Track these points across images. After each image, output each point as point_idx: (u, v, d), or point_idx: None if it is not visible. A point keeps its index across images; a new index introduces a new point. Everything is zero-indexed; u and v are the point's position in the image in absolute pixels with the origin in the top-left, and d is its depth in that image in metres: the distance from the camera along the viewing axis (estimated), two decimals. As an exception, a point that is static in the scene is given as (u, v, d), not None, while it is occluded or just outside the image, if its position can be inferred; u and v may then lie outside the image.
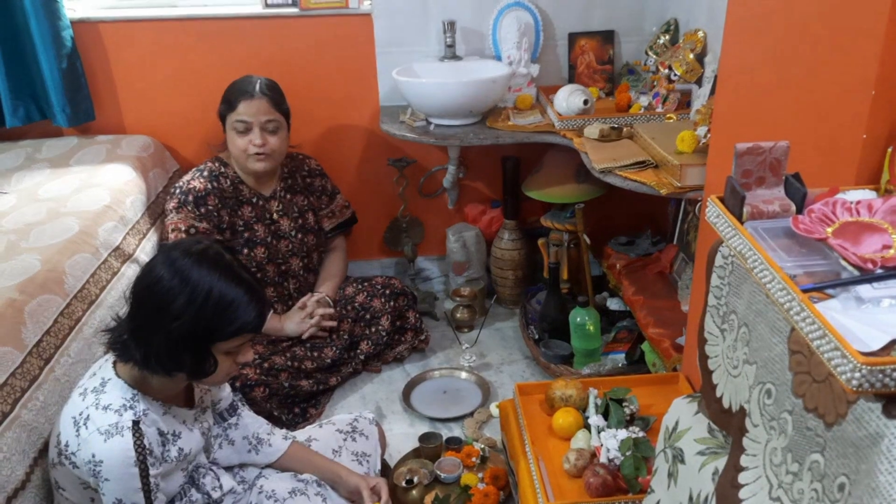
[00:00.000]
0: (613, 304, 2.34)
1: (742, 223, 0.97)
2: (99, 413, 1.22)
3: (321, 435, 1.67)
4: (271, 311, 2.13)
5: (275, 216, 2.16)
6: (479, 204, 2.62)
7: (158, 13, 2.33)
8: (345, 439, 1.68)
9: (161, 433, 1.28)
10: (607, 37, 2.39)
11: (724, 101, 1.46)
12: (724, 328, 1.09)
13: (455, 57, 2.34)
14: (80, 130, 2.41)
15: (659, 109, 2.11)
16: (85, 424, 1.22)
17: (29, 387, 1.36)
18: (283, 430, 1.63)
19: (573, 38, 2.38)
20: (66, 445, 1.23)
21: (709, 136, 1.63)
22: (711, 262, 1.11)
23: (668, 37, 2.27)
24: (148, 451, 1.23)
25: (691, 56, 2.06)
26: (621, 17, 2.39)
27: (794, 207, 0.99)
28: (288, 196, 2.19)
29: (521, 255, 2.52)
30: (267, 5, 2.34)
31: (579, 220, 2.22)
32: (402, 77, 2.17)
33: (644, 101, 2.18)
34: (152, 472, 1.23)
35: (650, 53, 2.30)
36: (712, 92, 1.89)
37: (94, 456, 1.20)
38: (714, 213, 1.03)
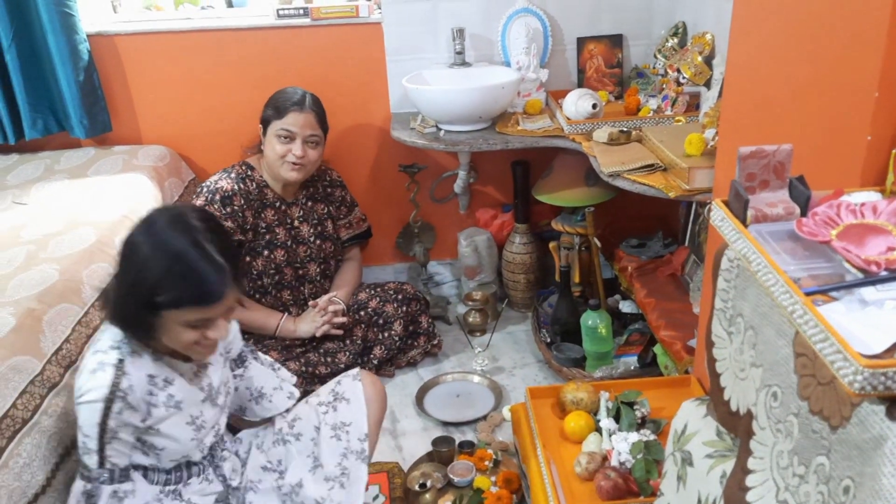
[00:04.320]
0: (625, 307, 2.34)
1: (746, 226, 0.98)
2: (90, 356, 1.27)
3: (304, 413, 1.57)
4: (286, 315, 2.17)
5: (296, 222, 2.19)
6: (490, 208, 2.64)
7: (173, 26, 2.37)
8: (325, 412, 1.56)
9: (150, 376, 1.28)
10: (616, 41, 2.39)
11: (731, 104, 1.46)
12: (731, 331, 1.10)
13: (464, 64, 2.36)
14: (98, 141, 2.45)
15: (668, 112, 2.11)
16: (80, 371, 1.28)
17: (48, 393, 1.39)
18: (291, 389, 1.60)
19: (582, 42, 2.39)
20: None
21: (717, 138, 1.64)
22: (717, 265, 1.12)
23: (676, 40, 2.28)
24: (122, 395, 1.23)
25: (699, 59, 2.06)
26: (629, 21, 2.40)
27: (798, 210, 0.99)
28: (309, 203, 2.22)
29: (533, 258, 2.53)
30: (279, 16, 2.37)
31: (590, 223, 2.23)
32: (411, 84, 2.19)
33: (653, 104, 2.18)
34: (125, 416, 1.24)
35: (659, 56, 2.31)
36: (720, 94, 1.89)
37: (79, 389, 1.25)
38: (719, 216, 1.03)
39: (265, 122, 2.08)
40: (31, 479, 1.27)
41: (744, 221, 0.99)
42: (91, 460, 1.25)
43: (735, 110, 1.45)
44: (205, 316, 1.24)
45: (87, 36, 2.28)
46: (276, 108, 2.05)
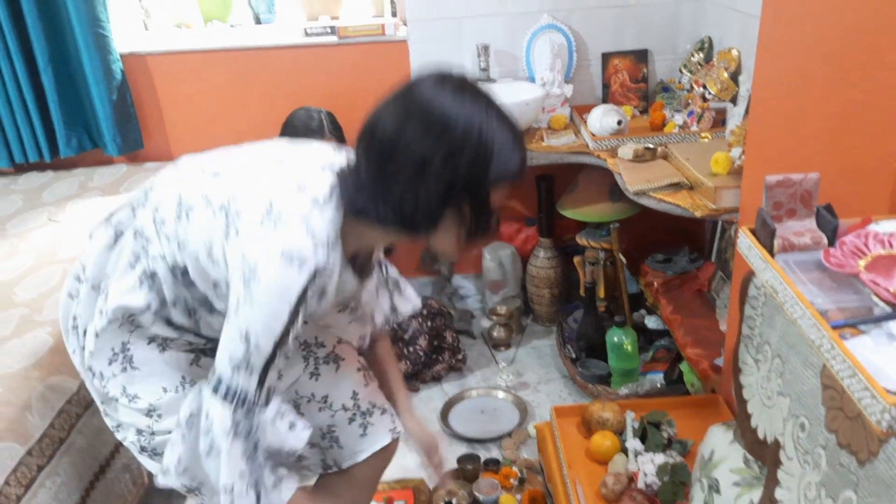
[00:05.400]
0: (651, 322, 2.33)
1: (773, 256, 0.98)
2: (296, 221, 1.00)
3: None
4: None
5: None
6: (514, 222, 2.65)
7: (203, 45, 2.42)
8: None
9: (322, 292, 1.05)
10: (641, 56, 2.39)
11: (757, 125, 1.46)
12: (758, 358, 1.10)
13: (489, 79, 2.38)
14: (129, 158, 2.50)
15: (693, 128, 2.11)
16: (275, 221, 1.00)
17: (84, 412, 1.42)
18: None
19: (606, 57, 2.40)
20: (238, 213, 1.02)
21: (743, 157, 1.63)
22: (745, 292, 1.12)
23: (701, 55, 2.27)
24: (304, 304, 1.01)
25: (725, 75, 2.05)
26: (654, 36, 2.40)
27: (825, 240, 0.99)
28: None
29: (557, 272, 2.53)
30: (307, 34, 2.41)
31: (615, 239, 2.23)
32: (437, 101, 2.21)
33: (678, 119, 2.18)
34: (296, 327, 1.02)
35: (684, 71, 2.30)
36: (747, 112, 1.88)
37: (256, 263, 0.98)
38: (745, 245, 1.04)
39: None
40: (68, 497, 1.30)
41: (771, 251, 0.99)
42: (249, 380, 1.01)
43: (761, 130, 1.45)
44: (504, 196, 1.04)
45: (121, 56, 2.34)
46: (295, 133, 2.08)
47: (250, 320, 0.99)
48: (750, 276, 1.10)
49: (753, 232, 1.04)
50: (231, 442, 1.01)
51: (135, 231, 1.10)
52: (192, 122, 2.48)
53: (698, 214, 1.66)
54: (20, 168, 2.45)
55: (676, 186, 1.78)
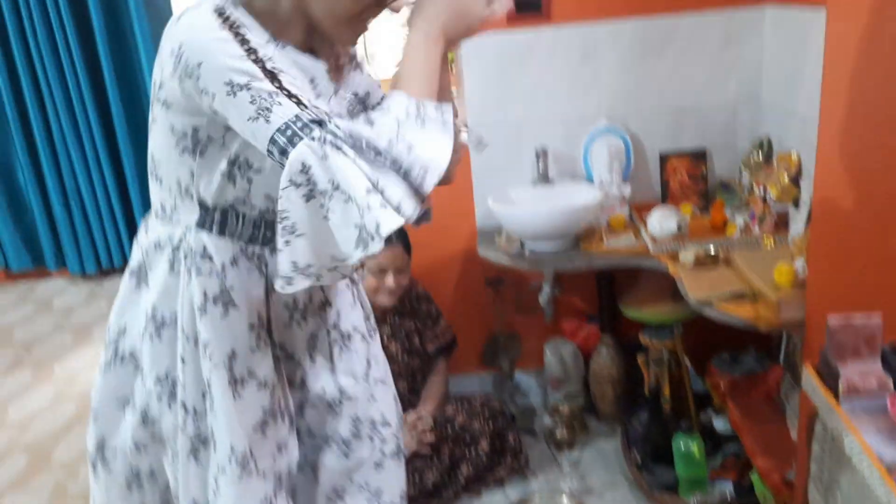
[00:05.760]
0: (719, 424, 2.27)
1: (838, 400, 0.97)
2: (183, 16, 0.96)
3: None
4: None
5: (385, 340, 2.27)
6: (575, 318, 2.65)
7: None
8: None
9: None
10: (699, 155, 2.41)
11: (819, 241, 1.45)
12: (829, 501, 1.07)
13: (548, 181, 2.43)
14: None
15: (755, 231, 2.10)
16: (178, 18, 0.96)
17: None
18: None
19: (664, 157, 2.43)
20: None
21: (806, 270, 1.62)
22: (811, 429, 1.10)
23: (761, 155, 2.27)
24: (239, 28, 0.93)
25: (786, 178, 2.05)
26: (712, 136, 2.42)
27: (891, 384, 0.98)
28: (398, 320, 2.30)
29: (620, 370, 2.51)
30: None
31: (678, 343, 2.21)
32: (497, 206, 2.27)
33: (740, 220, 2.17)
34: (263, 50, 0.93)
35: (744, 171, 2.31)
36: (809, 219, 1.87)
37: (175, 44, 0.93)
38: (810, 385, 1.03)
39: None
40: None
41: (836, 394, 0.98)
42: (287, 109, 0.89)
43: (824, 249, 1.44)
44: None
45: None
46: None
47: (218, 77, 0.90)
48: (815, 413, 1.09)
49: (817, 370, 1.03)
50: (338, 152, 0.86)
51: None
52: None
53: (762, 328, 1.64)
54: (105, 273, 2.60)
55: (739, 296, 1.77)
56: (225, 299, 1.07)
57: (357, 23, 0.99)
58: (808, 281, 1.48)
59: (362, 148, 0.87)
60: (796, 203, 2.05)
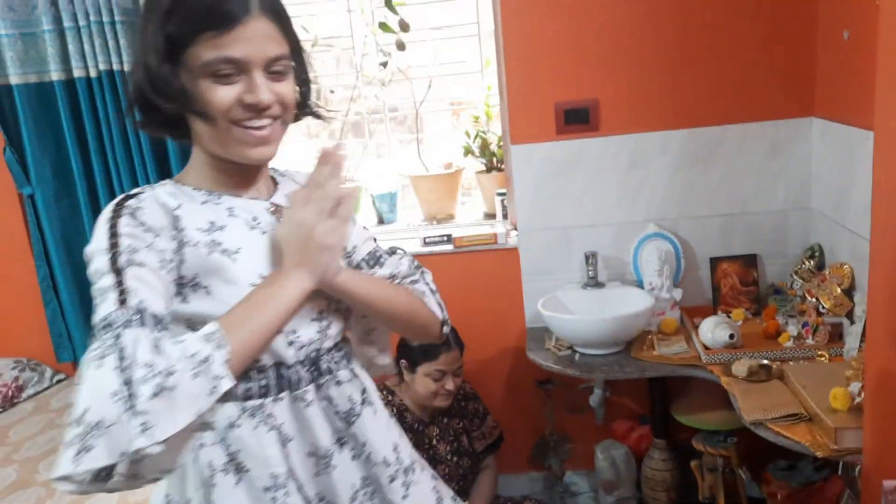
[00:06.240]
0: (777, 537, 2.22)
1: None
2: None
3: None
4: None
5: (433, 441, 2.30)
6: (626, 420, 2.63)
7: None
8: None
9: (181, 208, 0.99)
10: (750, 260, 2.42)
11: (875, 413, 1.41)
12: None
13: (598, 284, 2.47)
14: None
15: (809, 341, 2.09)
16: None
17: None
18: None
19: (715, 262, 2.44)
20: None
21: (863, 395, 1.60)
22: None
23: (813, 262, 2.28)
24: (130, 210, 0.95)
25: (838, 290, 2.05)
26: (763, 242, 2.44)
27: (954, 552, 0.97)
28: (445, 420, 2.34)
29: (674, 475, 2.47)
30: (425, 244, 2.62)
31: (733, 450, 2.18)
32: (547, 311, 2.31)
33: (793, 329, 2.16)
34: (135, 242, 0.93)
35: (795, 277, 2.31)
36: (863, 336, 1.86)
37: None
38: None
39: (412, 362, 2.24)
40: None
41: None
42: (106, 308, 0.87)
43: (880, 379, 1.43)
44: (229, 54, 0.94)
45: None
46: (424, 350, 2.22)
47: (89, 267, 0.94)
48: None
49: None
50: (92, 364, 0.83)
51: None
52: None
53: (820, 455, 1.62)
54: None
55: (794, 417, 1.76)
56: (234, 466, 1.00)
57: (236, 128, 0.98)
58: (864, 447, 1.45)
59: (124, 368, 0.82)
60: (850, 316, 2.04)
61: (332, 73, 3.02)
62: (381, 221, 3.00)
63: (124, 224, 0.93)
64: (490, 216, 2.86)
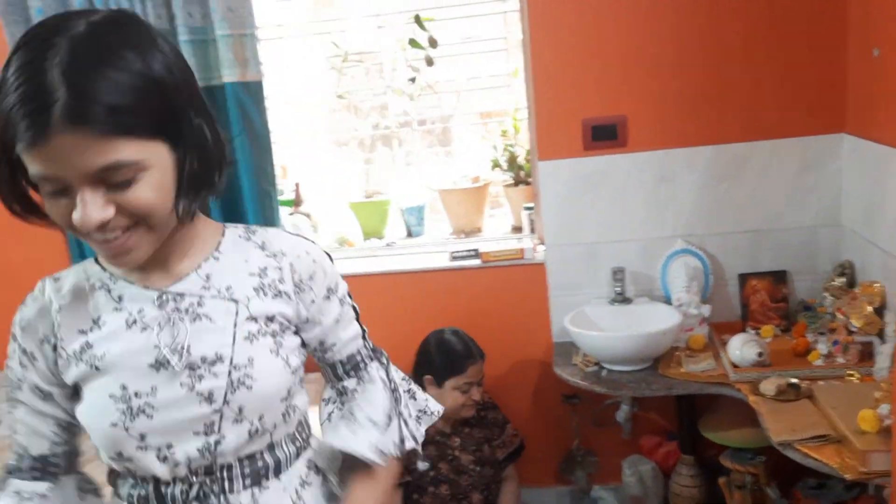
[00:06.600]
0: (807, 556, 2.20)
1: None
2: None
3: None
4: None
5: (456, 452, 2.32)
6: (654, 435, 2.63)
7: (361, 269, 2.70)
8: None
9: (64, 308, 0.95)
10: (779, 276, 2.41)
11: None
12: None
13: (625, 300, 2.47)
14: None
15: (839, 360, 2.07)
16: None
17: None
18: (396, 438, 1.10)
19: (744, 278, 2.43)
20: None
21: (892, 417, 1.59)
22: None
23: (843, 279, 2.26)
24: (22, 322, 0.97)
25: (869, 309, 2.03)
26: (793, 258, 2.42)
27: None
28: (466, 430, 2.36)
29: (702, 491, 2.46)
30: (453, 258, 2.64)
31: (762, 471, 2.17)
32: (573, 327, 2.32)
33: (822, 347, 2.14)
34: (21, 370, 0.97)
35: (826, 294, 2.29)
36: (893, 359, 1.85)
37: None
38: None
39: (439, 378, 2.27)
40: None
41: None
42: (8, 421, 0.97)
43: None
44: (42, 171, 0.78)
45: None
46: (450, 364, 2.25)
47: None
48: None
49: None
50: None
51: None
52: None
53: (849, 477, 1.61)
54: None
55: (823, 439, 1.75)
56: None
57: (90, 239, 0.84)
58: (893, 470, 1.45)
59: None
60: (881, 336, 2.02)
61: (362, 87, 3.07)
62: (409, 234, 3.03)
63: (18, 338, 0.98)
64: (517, 229, 2.88)
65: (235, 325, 0.95)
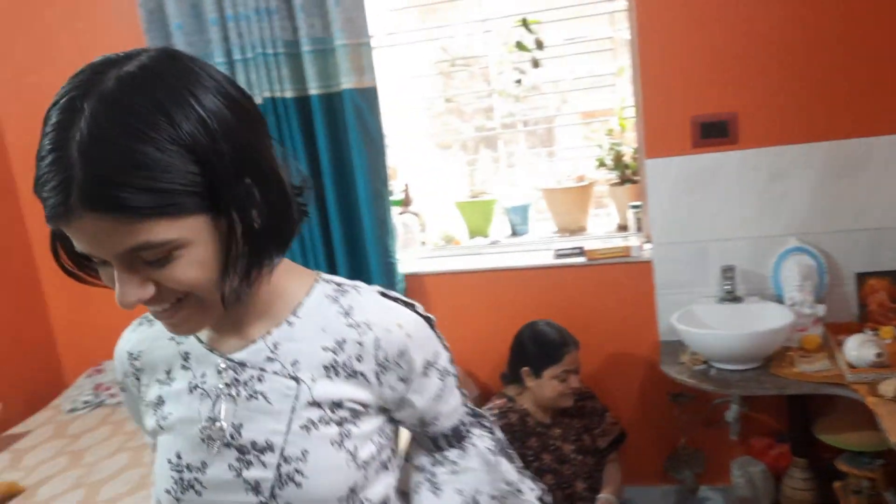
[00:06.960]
0: (932, 568, 2.11)
1: None
2: None
3: None
4: None
5: (557, 442, 2.37)
6: (764, 437, 2.58)
7: (467, 266, 2.79)
8: None
9: (131, 358, 0.95)
10: (901, 276, 2.32)
11: None
12: None
13: (735, 299, 2.44)
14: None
15: (969, 363, 1.98)
16: None
17: None
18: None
19: (861, 277, 2.36)
20: None
21: None
22: None
23: (974, 279, 2.16)
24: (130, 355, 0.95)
25: None
26: (916, 257, 2.33)
27: None
28: (566, 420, 2.41)
29: (815, 496, 2.40)
30: (557, 256, 2.69)
31: (880, 476, 2.10)
32: (681, 325, 2.32)
33: (949, 349, 2.06)
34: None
35: (954, 295, 2.19)
36: None
37: None
38: None
39: (536, 368, 2.33)
40: None
41: None
42: None
43: None
44: (78, 247, 0.73)
45: (404, 276, 2.78)
46: (548, 354, 2.30)
47: None
48: None
49: None
50: None
51: None
52: (456, 329, 2.80)
53: (977, 482, 1.56)
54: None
55: (949, 442, 1.69)
56: None
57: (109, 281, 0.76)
58: None
59: None
60: None
61: (468, 91, 3.16)
62: (513, 233, 3.10)
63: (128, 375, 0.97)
64: (622, 228, 2.89)
65: (293, 411, 0.83)
